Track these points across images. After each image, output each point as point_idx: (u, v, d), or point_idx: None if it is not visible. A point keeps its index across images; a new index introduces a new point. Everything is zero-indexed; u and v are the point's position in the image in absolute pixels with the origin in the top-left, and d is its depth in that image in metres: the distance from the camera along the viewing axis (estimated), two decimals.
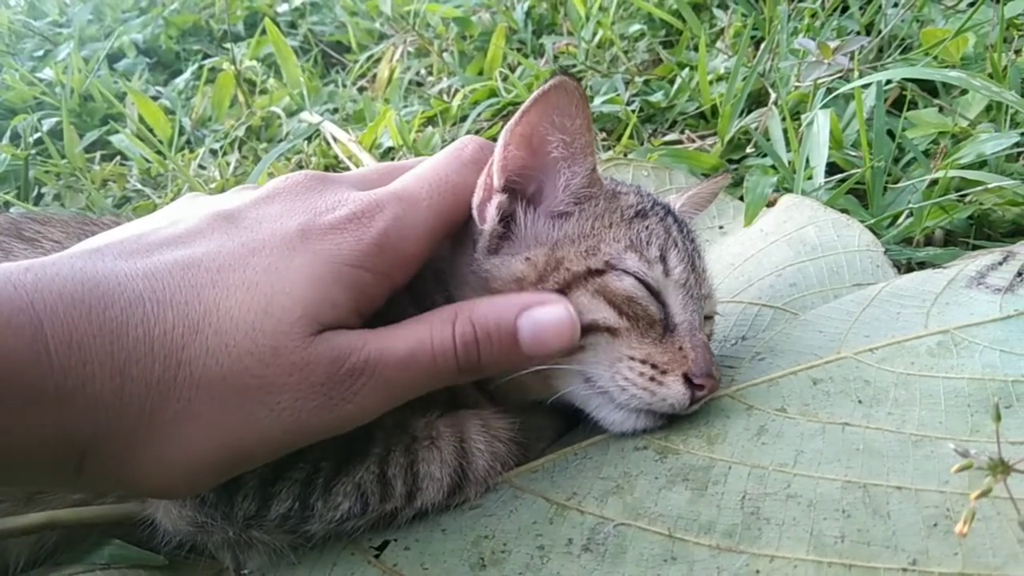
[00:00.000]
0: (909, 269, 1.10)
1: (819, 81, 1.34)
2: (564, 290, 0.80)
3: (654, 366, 0.80)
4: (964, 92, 1.43)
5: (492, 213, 0.82)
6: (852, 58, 1.42)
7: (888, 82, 1.49)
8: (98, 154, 2.20)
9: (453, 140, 1.79)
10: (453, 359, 0.73)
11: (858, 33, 1.67)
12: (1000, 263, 0.85)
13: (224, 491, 0.74)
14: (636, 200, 0.89)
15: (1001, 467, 0.54)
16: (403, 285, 0.77)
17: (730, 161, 1.54)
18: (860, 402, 0.76)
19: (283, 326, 0.66)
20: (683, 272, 0.85)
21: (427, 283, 0.85)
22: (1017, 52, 1.48)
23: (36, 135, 2.20)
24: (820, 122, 1.30)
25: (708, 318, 0.92)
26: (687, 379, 0.79)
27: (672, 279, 0.84)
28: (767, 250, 1.14)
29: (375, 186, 0.79)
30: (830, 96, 1.42)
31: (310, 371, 0.66)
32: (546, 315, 0.76)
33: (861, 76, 1.39)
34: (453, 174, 0.81)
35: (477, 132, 1.86)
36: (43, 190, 2.00)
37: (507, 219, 0.84)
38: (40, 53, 2.99)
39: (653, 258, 0.84)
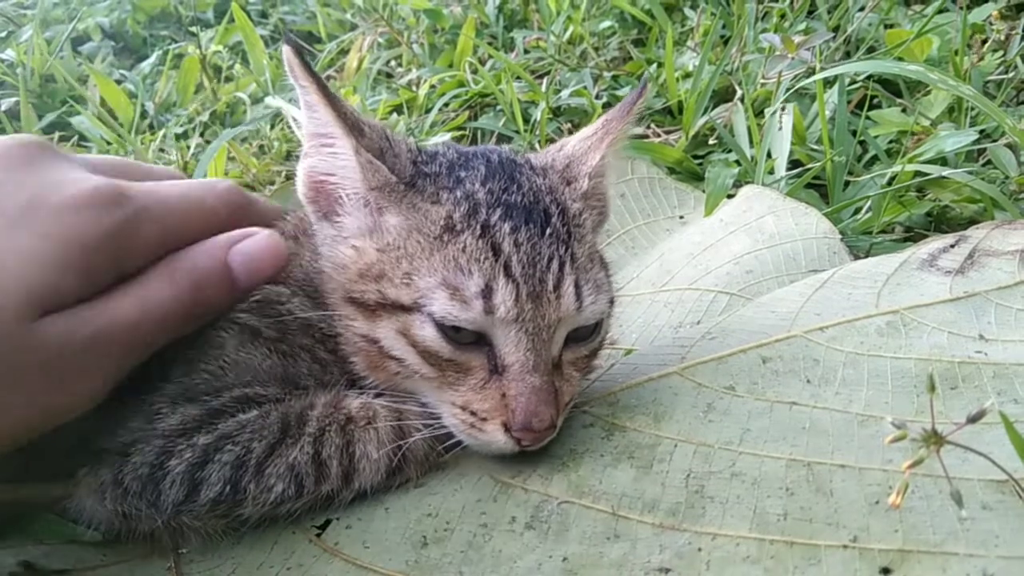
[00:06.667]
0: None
1: (783, 75, 1.35)
2: (376, 308, 0.76)
3: (473, 413, 0.74)
4: (928, 93, 1.44)
5: (300, 177, 0.82)
6: (816, 54, 1.42)
7: (853, 81, 1.50)
8: (57, 135, 2.16)
9: (419, 129, 1.79)
10: (182, 310, 0.74)
11: None
12: (952, 246, 0.85)
13: (149, 479, 0.71)
14: (448, 211, 0.75)
15: (934, 438, 0.53)
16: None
17: (695, 156, 1.54)
18: (808, 381, 0.76)
19: (3, 308, 0.63)
20: (513, 307, 0.71)
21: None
22: (980, 57, 1.50)
23: None
24: (783, 115, 1.30)
25: (580, 338, 0.78)
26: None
27: (497, 317, 0.72)
28: (726, 239, 1.14)
29: (108, 175, 0.75)
30: (792, 90, 1.42)
31: (34, 353, 0.64)
32: (252, 246, 0.78)
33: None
34: (208, 197, 0.81)
35: (443, 122, 1.85)
36: None
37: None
38: (3, 34, 2.94)
39: (472, 295, 0.71)
